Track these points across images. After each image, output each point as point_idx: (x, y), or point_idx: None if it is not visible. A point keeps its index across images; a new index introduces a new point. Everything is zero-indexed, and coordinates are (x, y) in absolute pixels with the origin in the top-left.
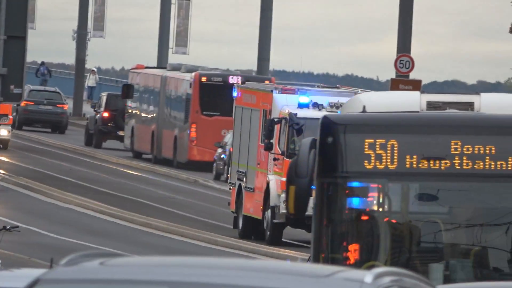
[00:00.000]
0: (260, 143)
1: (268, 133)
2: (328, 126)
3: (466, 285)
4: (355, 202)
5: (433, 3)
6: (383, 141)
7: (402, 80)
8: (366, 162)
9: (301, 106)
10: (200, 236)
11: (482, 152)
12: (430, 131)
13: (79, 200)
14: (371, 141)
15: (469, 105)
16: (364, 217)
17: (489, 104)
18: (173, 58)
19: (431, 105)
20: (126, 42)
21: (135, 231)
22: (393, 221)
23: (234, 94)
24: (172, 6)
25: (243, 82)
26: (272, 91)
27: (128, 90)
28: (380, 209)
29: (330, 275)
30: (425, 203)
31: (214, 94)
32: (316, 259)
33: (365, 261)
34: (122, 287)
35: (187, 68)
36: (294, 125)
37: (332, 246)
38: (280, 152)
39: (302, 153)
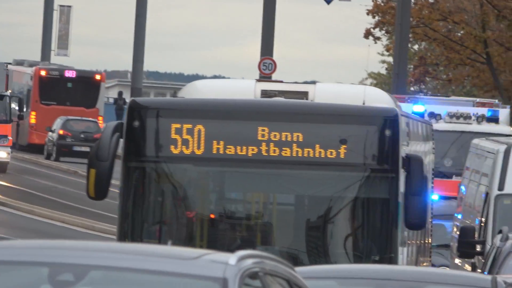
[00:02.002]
0: None
1: None
2: (134, 109)
3: (322, 267)
4: (160, 187)
5: (293, 10)
6: (190, 126)
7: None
8: (172, 147)
9: (415, 115)
10: (79, 223)
11: (289, 139)
12: (238, 117)
13: None
14: (178, 126)
15: (304, 94)
16: (170, 202)
17: (323, 93)
18: (55, 59)
19: (265, 94)
20: (11, 46)
21: (20, 217)
22: (200, 206)
23: None
24: (54, 12)
25: (76, 76)
26: None
27: None
28: (186, 194)
29: (197, 257)
30: (232, 188)
31: (51, 86)
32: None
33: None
34: (3, 267)
35: (29, 63)
36: None
37: (136, 231)
38: None
39: (104, 137)
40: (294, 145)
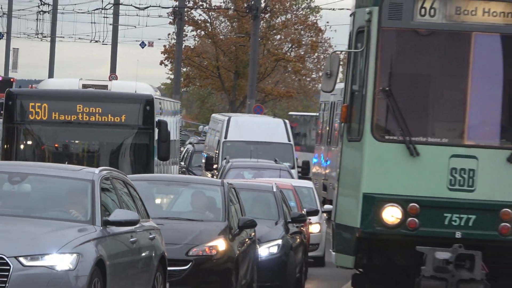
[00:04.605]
0: None
1: None
2: (9, 95)
3: (137, 175)
4: (25, 137)
5: (126, 50)
6: (39, 104)
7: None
8: (30, 115)
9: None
10: None
11: (94, 111)
12: (65, 99)
13: None
14: (33, 104)
15: (105, 87)
16: (29, 145)
17: (116, 86)
18: (11, 74)
19: (85, 86)
20: None
21: None
22: (44, 146)
23: None
24: (10, 51)
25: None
26: None
27: None
28: (38, 141)
29: (80, 170)
30: (62, 137)
31: None
32: None
33: None
34: None
35: None
36: None
37: (9, 159)
38: None
39: None
40: (97, 115)
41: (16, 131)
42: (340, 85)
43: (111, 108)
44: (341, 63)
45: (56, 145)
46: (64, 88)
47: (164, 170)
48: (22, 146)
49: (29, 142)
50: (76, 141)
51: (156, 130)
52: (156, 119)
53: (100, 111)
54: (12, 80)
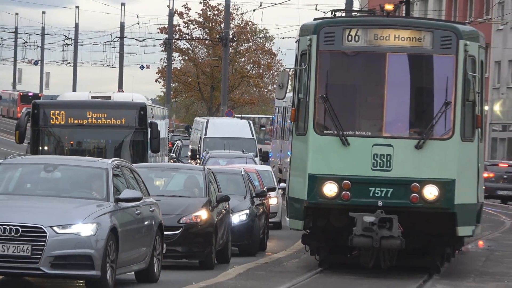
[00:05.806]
0: None
1: None
2: (35, 105)
3: (139, 164)
4: (48, 138)
5: (130, 72)
6: (58, 111)
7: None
8: (51, 120)
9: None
10: None
11: (100, 116)
12: (78, 107)
13: None
14: (53, 111)
15: (109, 97)
16: (51, 143)
17: (118, 97)
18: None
19: (93, 97)
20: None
21: None
22: (63, 144)
23: None
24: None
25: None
26: None
27: None
28: (58, 140)
29: (98, 160)
30: (77, 137)
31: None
32: None
33: None
34: (27, 164)
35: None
36: None
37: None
38: None
39: (21, 116)
40: (103, 119)
41: (41, 133)
42: (289, 94)
43: (114, 113)
44: (290, 77)
45: (71, 143)
46: (77, 99)
47: (157, 160)
48: (45, 145)
49: (51, 141)
50: (87, 140)
51: (149, 130)
52: (149, 121)
53: (105, 116)
54: (40, 95)
